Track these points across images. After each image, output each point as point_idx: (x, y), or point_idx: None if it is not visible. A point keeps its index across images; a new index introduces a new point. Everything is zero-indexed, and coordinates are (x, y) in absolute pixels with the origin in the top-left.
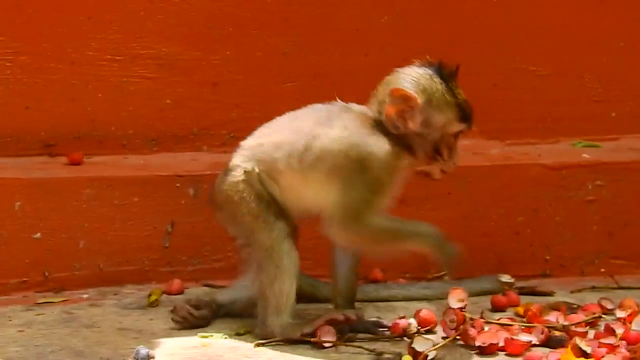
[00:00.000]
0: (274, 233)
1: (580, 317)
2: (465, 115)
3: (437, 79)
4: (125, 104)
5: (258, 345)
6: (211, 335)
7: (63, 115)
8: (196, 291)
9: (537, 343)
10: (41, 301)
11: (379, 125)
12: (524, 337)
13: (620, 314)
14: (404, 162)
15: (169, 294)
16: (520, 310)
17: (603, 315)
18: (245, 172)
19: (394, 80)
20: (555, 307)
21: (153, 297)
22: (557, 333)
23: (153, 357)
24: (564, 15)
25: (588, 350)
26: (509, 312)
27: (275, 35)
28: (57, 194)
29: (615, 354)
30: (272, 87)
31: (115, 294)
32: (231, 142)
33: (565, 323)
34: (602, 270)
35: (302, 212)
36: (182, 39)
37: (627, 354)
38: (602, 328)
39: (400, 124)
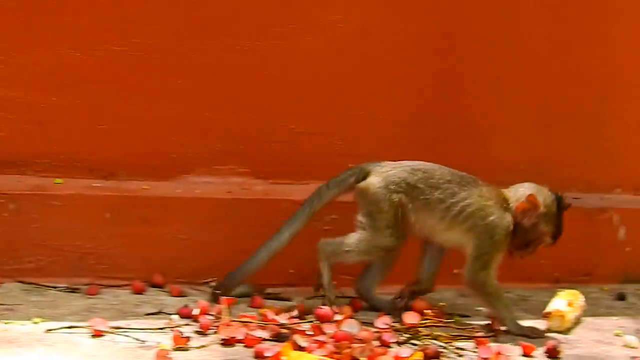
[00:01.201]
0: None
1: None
2: (556, 236)
3: (555, 204)
4: None
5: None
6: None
7: None
8: None
9: (269, 338)
10: None
11: (508, 208)
12: (258, 333)
13: (338, 317)
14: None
15: None
16: (263, 311)
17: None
18: (398, 203)
19: (533, 188)
20: (288, 309)
21: None
22: (284, 330)
23: None
24: (314, 85)
25: (304, 344)
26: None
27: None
28: None
29: (323, 349)
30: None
31: None
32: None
33: (286, 322)
34: (334, 282)
35: (426, 237)
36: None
37: (333, 348)
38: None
39: (520, 216)
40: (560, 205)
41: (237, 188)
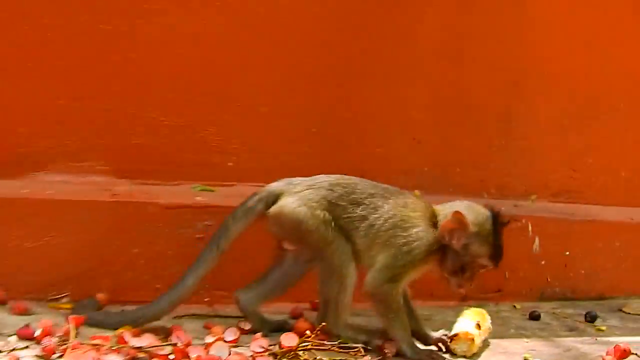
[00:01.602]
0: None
1: (155, 342)
2: (495, 256)
3: (490, 222)
4: None
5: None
6: None
7: None
8: None
9: None
10: None
11: (435, 226)
12: (112, 357)
13: (209, 339)
14: (433, 262)
15: None
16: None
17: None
18: (324, 219)
19: (463, 206)
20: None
21: None
22: (141, 354)
23: None
24: (192, 76)
25: None
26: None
27: None
28: None
29: None
30: None
31: None
32: None
33: (146, 345)
34: (206, 299)
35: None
36: None
37: None
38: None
39: (447, 237)
40: (496, 222)
41: (96, 189)
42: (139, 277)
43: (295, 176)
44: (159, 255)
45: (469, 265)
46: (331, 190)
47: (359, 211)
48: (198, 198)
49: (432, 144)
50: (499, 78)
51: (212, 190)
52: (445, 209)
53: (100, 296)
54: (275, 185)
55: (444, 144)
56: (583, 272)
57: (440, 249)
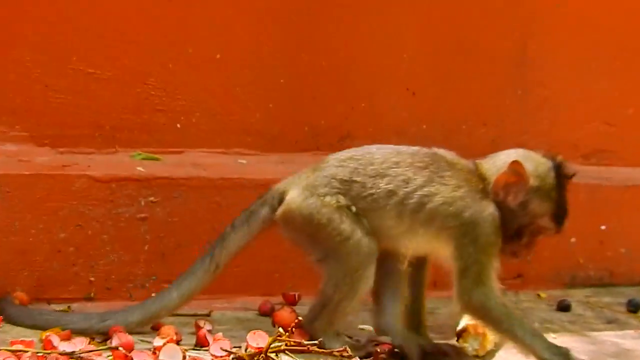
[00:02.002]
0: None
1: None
2: (559, 217)
3: (553, 174)
4: None
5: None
6: None
7: None
8: None
9: None
10: None
11: (484, 187)
12: None
13: (157, 342)
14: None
15: None
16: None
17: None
18: (338, 205)
19: (518, 155)
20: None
21: None
22: None
23: None
24: (125, 14)
25: None
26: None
27: None
28: None
29: None
30: None
31: None
32: None
33: (78, 351)
34: (153, 295)
35: (396, 248)
36: None
37: None
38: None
39: (502, 194)
40: (560, 174)
41: (10, 160)
42: (66, 268)
43: (257, 139)
44: (92, 240)
45: (527, 227)
46: (342, 166)
47: (383, 185)
48: (139, 168)
49: (430, 96)
50: (511, 12)
51: (157, 159)
52: (496, 163)
53: (19, 295)
54: (280, 184)
55: (444, 96)
56: (623, 250)
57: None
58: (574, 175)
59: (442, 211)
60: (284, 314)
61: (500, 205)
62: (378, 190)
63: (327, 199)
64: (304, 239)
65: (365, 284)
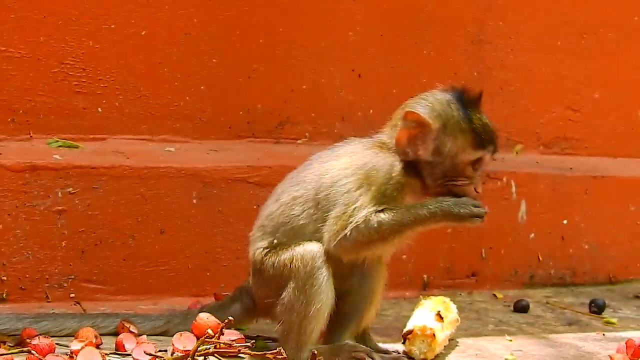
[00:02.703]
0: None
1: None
2: (482, 141)
3: (455, 105)
4: None
5: None
6: None
7: None
8: None
9: None
10: None
11: (390, 150)
12: None
13: (75, 345)
14: (414, 186)
15: None
16: None
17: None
18: (268, 249)
19: (409, 103)
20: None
21: None
22: None
23: None
24: None
25: None
26: None
27: None
28: None
29: None
30: None
31: None
32: None
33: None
34: (72, 295)
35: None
36: None
37: None
38: None
39: (410, 151)
40: (464, 101)
41: None
42: None
43: (186, 124)
44: (4, 235)
45: (458, 168)
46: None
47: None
48: (56, 157)
49: (377, 78)
50: None
51: (76, 146)
52: (391, 122)
53: None
54: None
55: (394, 78)
56: (586, 247)
57: (412, 171)
58: (480, 94)
59: (339, 179)
60: (201, 322)
61: (418, 163)
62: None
63: (259, 243)
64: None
65: (320, 291)
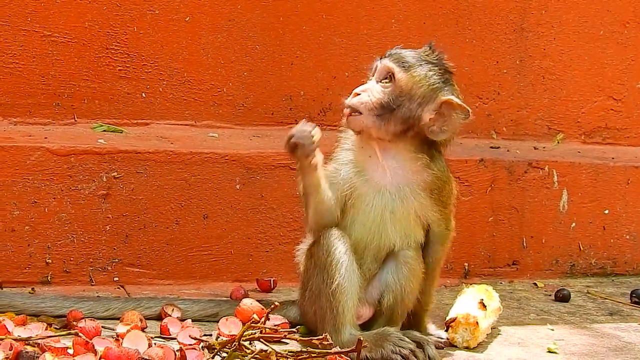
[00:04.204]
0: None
1: (48, 332)
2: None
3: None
4: None
5: None
6: None
7: None
8: None
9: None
10: None
11: None
12: None
13: (121, 329)
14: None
15: None
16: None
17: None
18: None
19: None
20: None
21: None
22: (30, 348)
23: None
24: None
25: None
26: None
27: None
28: None
29: None
30: None
31: None
32: None
33: (35, 337)
34: (116, 279)
35: None
36: None
37: None
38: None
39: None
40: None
41: None
42: (21, 249)
43: (229, 110)
44: (49, 219)
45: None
46: None
47: None
48: (101, 141)
49: None
50: None
51: (120, 131)
52: None
53: None
54: None
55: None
56: (627, 237)
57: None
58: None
59: None
60: (244, 307)
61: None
62: None
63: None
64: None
65: (340, 265)
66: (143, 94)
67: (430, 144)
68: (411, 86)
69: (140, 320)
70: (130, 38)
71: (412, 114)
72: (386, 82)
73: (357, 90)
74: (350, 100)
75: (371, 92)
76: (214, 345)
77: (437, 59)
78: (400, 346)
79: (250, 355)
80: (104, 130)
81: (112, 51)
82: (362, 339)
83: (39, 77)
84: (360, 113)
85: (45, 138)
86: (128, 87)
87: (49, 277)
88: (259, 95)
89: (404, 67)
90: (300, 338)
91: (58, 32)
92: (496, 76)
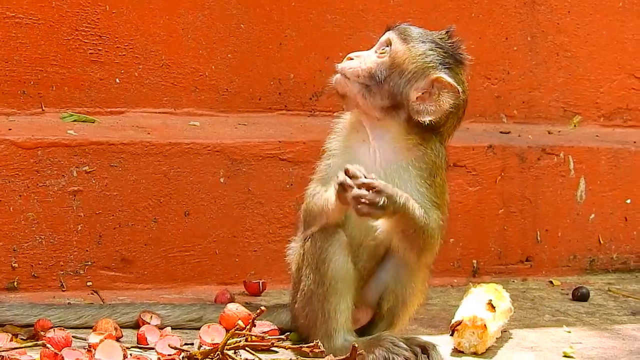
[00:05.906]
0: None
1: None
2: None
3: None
4: None
5: None
6: None
7: None
8: None
9: None
10: None
11: None
12: None
13: (93, 338)
14: None
15: None
16: None
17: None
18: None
19: None
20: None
21: None
22: None
23: None
24: None
25: None
26: None
27: None
28: None
29: None
30: None
31: None
32: None
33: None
34: (89, 284)
35: None
36: None
37: None
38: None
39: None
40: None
41: None
42: None
43: (212, 96)
44: (15, 219)
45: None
46: None
47: None
48: (70, 132)
49: None
50: None
51: (92, 121)
52: None
53: None
54: None
55: None
56: None
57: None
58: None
59: None
60: (229, 313)
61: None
62: None
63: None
64: None
65: (332, 266)
66: (117, 80)
67: (430, 132)
68: (404, 60)
69: (115, 328)
70: (102, 18)
71: (399, 90)
72: (382, 53)
73: (351, 55)
74: (341, 65)
75: (364, 59)
76: (195, 355)
77: (448, 44)
78: (394, 353)
79: None
80: (74, 120)
81: (83, 33)
82: (356, 345)
83: (2, 62)
84: (348, 78)
85: (10, 129)
86: (100, 72)
87: (15, 283)
88: (244, 79)
89: (404, 39)
90: (290, 346)
91: (22, 12)
92: (506, 54)
